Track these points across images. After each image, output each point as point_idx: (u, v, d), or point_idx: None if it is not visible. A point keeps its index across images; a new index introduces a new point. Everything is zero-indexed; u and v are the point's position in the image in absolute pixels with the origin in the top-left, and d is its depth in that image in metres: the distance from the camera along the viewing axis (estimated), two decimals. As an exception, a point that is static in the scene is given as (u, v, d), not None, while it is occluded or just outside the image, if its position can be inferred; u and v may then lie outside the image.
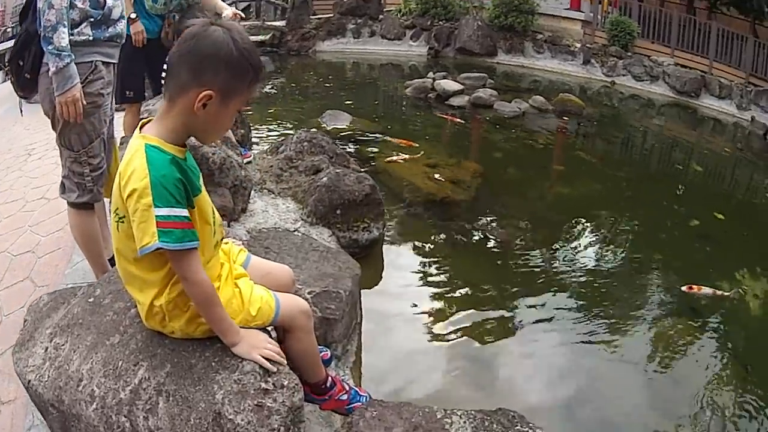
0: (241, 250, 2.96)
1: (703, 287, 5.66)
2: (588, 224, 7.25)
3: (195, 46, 2.25)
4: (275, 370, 2.48)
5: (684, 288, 5.65)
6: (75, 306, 3.01)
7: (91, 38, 3.82)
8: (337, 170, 5.88)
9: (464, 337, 4.81)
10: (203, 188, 2.50)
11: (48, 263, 5.29)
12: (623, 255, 6.64)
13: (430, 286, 5.54)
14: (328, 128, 10.38)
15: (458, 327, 4.93)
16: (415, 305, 5.17)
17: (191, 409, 2.33)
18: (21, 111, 4.61)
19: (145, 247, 2.23)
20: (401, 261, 5.95)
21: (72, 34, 3.69)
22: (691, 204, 8.51)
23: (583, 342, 4.92)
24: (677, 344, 5.05)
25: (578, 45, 18.94)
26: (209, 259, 2.53)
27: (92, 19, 3.82)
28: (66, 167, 4.04)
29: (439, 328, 4.90)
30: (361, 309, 4.72)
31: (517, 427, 2.76)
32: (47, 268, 5.22)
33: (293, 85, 15.65)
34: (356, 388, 3.29)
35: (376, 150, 9.30)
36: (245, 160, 6.19)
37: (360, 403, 3.12)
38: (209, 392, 2.36)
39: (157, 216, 2.19)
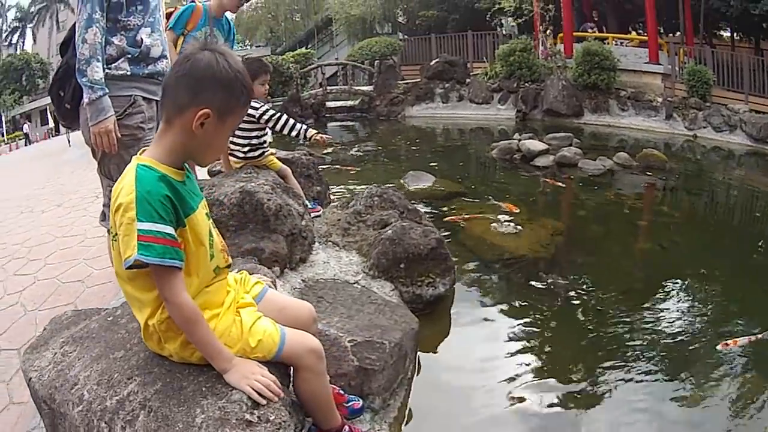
0: (257, 281, 2.88)
1: (738, 339, 5.07)
2: (671, 283, 6.61)
3: (191, 67, 2.28)
4: (264, 402, 2.38)
5: (720, 346, 5.02)
6: (93, 322, 3.15)
7: (128, 73, 3.94)
8: (404, 223, 5.64)
9: (526, 405, 4.30)
10: (200, 209, 2.50)
11: (95, 293, 5.56)
12: (708, 315, 5.99)
13: (498, 348, 5.07)
14: (410, 188, 10.26)
15: (522, 393, 4.43)
16: (479, 368, 4.76)
17: (168, 427, 2.29)
18: (69, 142, 4.76)
19: (126, 259, 2.24)
20: (470, 320, 5.51)
21: (109, 68, 3.83)
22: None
23: (663, 410, 4.32)
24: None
25: (660, 99, 18.45)
26: (208, 284, 2.52)
27: (129, 56, 3.92)
28: (106, 196, 4.12)
29: (501, 393, 4.40)
30: (417, 365, 4.44)
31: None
32: (94, 297, 5.52)
33: (380, 148, 15.67)
34: None
35: (454, 209, 9.03)
36: (313, 214, 6.10)
37: None
38: (190, 415, 2.31)
39: (138, 230, 2.20)
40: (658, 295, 6.19)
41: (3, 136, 51.61)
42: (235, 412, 2.29)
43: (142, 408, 2.36)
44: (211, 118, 2.28)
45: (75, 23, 3.81)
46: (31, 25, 72.94)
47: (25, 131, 52.47)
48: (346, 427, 2.92)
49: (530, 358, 4.91)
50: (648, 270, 7.17)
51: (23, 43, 74.37)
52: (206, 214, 2.56)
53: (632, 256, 7.77)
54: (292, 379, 2.71)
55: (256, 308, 2.67)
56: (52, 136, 50.42)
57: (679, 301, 6.09)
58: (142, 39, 3.94)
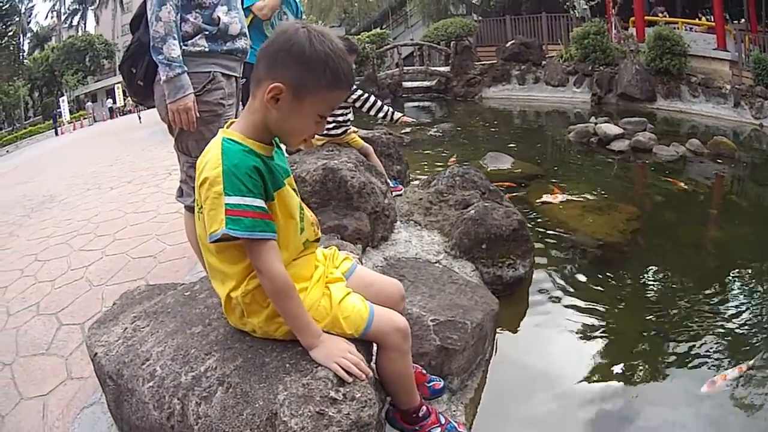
0: (346, 257, 2.80)
1: (726, 374, 4.39)
2: (741, 272, 6.38)
3: (274, 41, 2.22)
4: (350, 380, 2.28)
5: (704, 388, 4.22)
6: (169, 297, 3.08)
7: (207, 50, 3.82)
8: (486, 204, 5.53)
9: (601, 389, 4.19)
10: (288, 185, 2.43)
11: (168, 268, 5.51)
12: None
13: (572, 333, 4.95)
14: (488, 169, 10.12)
15: (595, 375, 4.35)
16: (554, 352, 4.67)
17: (247, 404, 2.22)
18: (139, 118, 4.70)
19: (213, 233, 2.19)
20: (546, 303, 5.38)
21: (186, 45, 3.72)
22: None
23: (740, 395, 4.14)
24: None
25: (728, 86, 17.72)
26: (296, 257, 2.47)
27: (207, 33, 3.81)
28: (183, 172, 4.05)
29: (572, 379, 4.28)
30: (495, 347, 4.36)
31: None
32: (166, 272, 5.47)
33: (459, 129, 15.48)
34: (455, 423, 2.96)
35: (533, 190, 8.90)
36: (395, 193, 6.07)
37: None
38: (272, 391, 2.23)
39: (226, 204, 2.14)
40: (725, 285, 6.00)
41: (65, 116, 51.88)
42: (319, 389, 2.20)
43: (220, 384, 2.31)
44: (285, 94, 2.18)
45: (145, 1, 3.72)
46: (93, 6, 73.66)
47: (89, 111, 52.93)
48: (424, 407, 2.84)
49: (602, 345, 4.79)
50: (717, 259, 6.95)
51: (84, 24, 75.30)
52: (294, 189, 2.49)
53: (704, 246, 7.52)
54: (375, 357, 2.65)
55: (346, 283, 2.61)
56: (120, 115, 50.60)
57: (751, 294, 5.88)
58: (219, 17, 3.84)
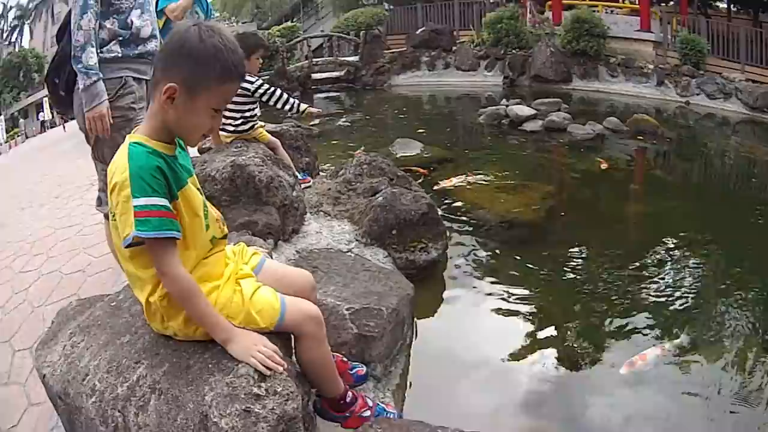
0: (255, 253, 2.87)
1: (646, 354, 4.44)
2: (666, 246, 6.56)
3: (167, 42, 2.33)
4: (268, 373, 2.35)
5: (623, 369, 4.30)
6: (98, 309, 3.09)
7: (120, 55, 3.94)
8: (394, 190, 5.61)
9: (526, 369, 4.30)
10: (191, 184, 2.47)
11: (96, 281, 5.70)
12: (704, 276, 5.96)
13: (491, 312, 5.06)
14: (397, 155, 10.22)
15: (519, 355, 4.45)
16: (475, 332, 4.77)
17: (179, 409, 2.28)
18: (63, 128, 4.77)
19: (125, 238, 2.24)
20: (463, 284, 5.50)
21: (101, 52, 3.83)
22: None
23: (660, 375, 4.25)
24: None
25: (651, 66, 18.43)
26: (205, 255, 2.52)
27: (121, 38, 3.94)
28: (101, 180, 4.14)
29: (497, 357, 4.41)
30: (414, 331, 4.44)
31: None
32: (95, 285, 5.65)
33: (368, 117, 15.62)
34: (383, 405, 3.09)
35: (443, 174, 9.00)
36: (303, 185, 6.07)
37: None
38: (200, 393, 2.29)
39: (134, 206, 2.18)
40: (649, 260, 6.15)
41: (1, 136, 50.81)
42: (243, 387, 2.27)
43: (152, 392, 2.36)
44: (179, 93, 2.25)
45: (70, 10, 3.83)
46: (29, 21, 72.48)
47: (41, 119, 52.00)
48: (350, 393, 2.90)
49: (522, 322, 4.93)
50: (639, 234, 7.19)
51: (21, 39, 73.96)
52: (198, 189, 2.53)
53: (623, 220, 7.79)
54: (294, 349, 2.69)
55: (256, 279, 2.65)
56: (51, 127, 50.05)
57: (673, 265, 6.06)
58: (132, 21, 3.96)
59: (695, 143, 13.24)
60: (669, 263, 6.10)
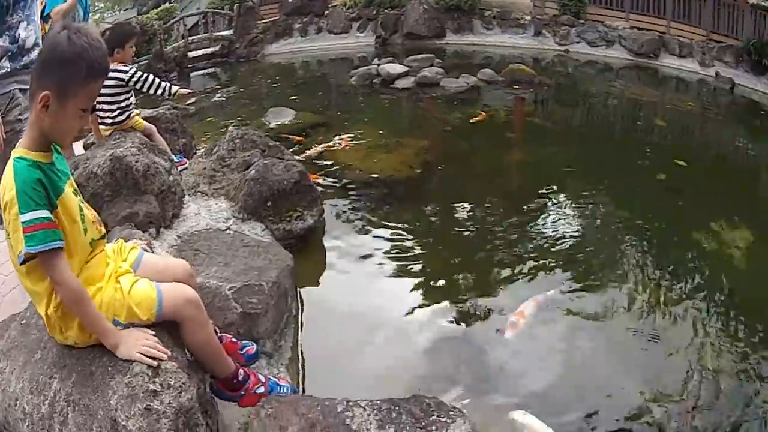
0: (132, 248, 2.93)
1: (524, 311, 4.59)
2: (551, 191, 6.90)
3: (41, 51, 2.42)
4: (154, 364, 2.44)
5: (508, 332, 4.41)
6: (12, 329, 3.07)
7: (8, 70, 3.96)
8: (265, 161, 5.67)
9: (414, 326, 4.49)
10: (68, 189, 2.49)
11: (10, 301, 5.42)
12: (593, 219, 6.34)
13: (375, 272, 5.24)
14: (271, 125, 10.25)
15: (407, 315, 4.61)
16: (361, 295, 4.91)
17: (93, 418, 2.33)
18: None
19: (19, 254, 2.29)
20: (344, 248, 5.64)
21: None
22: (658, 159, 8.23)
23: (553, 320, 4.56)
24: (663, 309, 4.70)
25: (528, 17, 18.70)
26: (87, 259, 2.56)
27: (10, 53, 3.96)
28: None
29: (385, 318, 4.57)
30: (300, 302, 4.54)
31: (433, 416, 2.58)
32: (9, 305, 5.34)
33: (241, 90, 15.49)
34: (276, 379, 3.17)
35: (316, 139, 9.12)
36: (180, 168, 6.11)
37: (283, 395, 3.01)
38: (105, 399, 2.35)
39: (22, 222, 2.24)
40: (532, 207, 6.41)
41: None
42: (140, 385, 2.36)
43: (68, 404, 2.40)
44: (52, 100, 2.28)
45: None
46: None
47: None
48: (241, 372, 2.98)
49: (407, 280, 5.08)
50: (520, 183, 7.44)
51: None
52: (74, 191, 2.56)
53: (503, 170, 8.03)
54: (182, 337, 2.74)
55: (134, 274, 2.71)
56: None
57: (556, 212, 6.35)
58: (19, 34, 3.98)
59: (575, 90, 13.74)
60: (551, 210, 6.38)
